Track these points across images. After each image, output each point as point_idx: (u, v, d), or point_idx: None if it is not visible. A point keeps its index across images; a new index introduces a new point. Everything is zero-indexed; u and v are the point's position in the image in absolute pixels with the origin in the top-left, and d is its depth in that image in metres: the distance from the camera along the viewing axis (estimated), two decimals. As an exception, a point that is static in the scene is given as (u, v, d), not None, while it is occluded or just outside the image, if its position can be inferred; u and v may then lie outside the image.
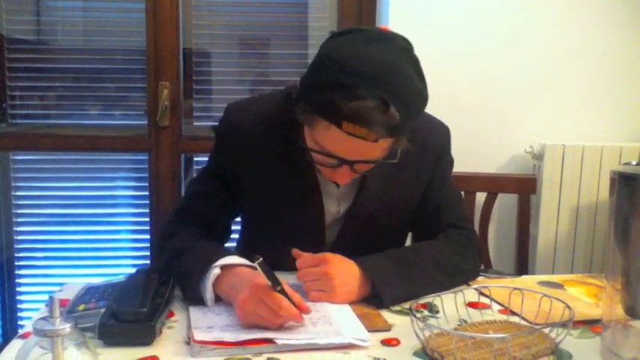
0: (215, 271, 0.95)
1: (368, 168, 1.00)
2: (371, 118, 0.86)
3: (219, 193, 1.15)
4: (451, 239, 1.14)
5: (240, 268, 0.96)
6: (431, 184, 1.16)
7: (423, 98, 0.95)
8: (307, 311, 0.87)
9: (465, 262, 1.12)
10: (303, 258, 1.01)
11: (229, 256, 0.98)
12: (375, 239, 1.09)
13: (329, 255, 1.00)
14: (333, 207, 1.13)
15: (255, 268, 0.86)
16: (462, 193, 1.74)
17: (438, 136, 1.18)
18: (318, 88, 0.90)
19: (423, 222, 1.18)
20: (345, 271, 0.99)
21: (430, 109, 1.22)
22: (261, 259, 0.83)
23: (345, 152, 0.93)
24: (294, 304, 0.86)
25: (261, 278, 0.85)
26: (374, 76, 0.87)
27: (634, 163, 0.85)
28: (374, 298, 0.98)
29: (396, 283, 1.00)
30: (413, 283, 1.01)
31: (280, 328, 0.85)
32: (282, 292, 0.85)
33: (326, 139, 0.93)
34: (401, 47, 0.93)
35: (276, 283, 0.85)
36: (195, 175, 1.24)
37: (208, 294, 0.94)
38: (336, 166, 0.96)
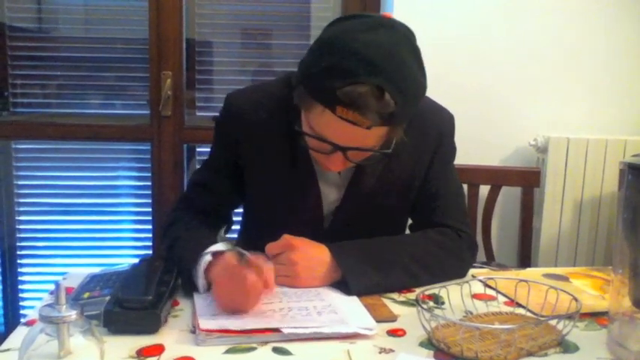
0: (206, 258, 0.95)
1: (362, 157, 0.98)
2: (365, 104, 0.85)
3: (221, 183, 1.15)
4: (440, 233, 1.12)
5: (223, 257, 0.96)
6: (431, 167, 1.14)
7: (422, 88, 0.93)
8: (268, 287, 0.88)
9: (449, 259, 1.09)
10: (270, 245, 1.01)
11: (220, 243, 0.99)
12: (375, 224, 1.09)
13: (295, 240, 1.01)
14: (334, 194, 1.12)
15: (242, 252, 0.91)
16: (466, 185, 1.75)
17: (441, 121, 1.16)
18: (315, 71, 0.89)
19: (421, 208, 1.17)
20: (311, 256, 1.00)
21: (435, 100, 1.21)
22: (224, 235, 0.86)
23: (338, 137, 0.92)
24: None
25: (234, 258, 0.88)
26: (371, 61, 0.85)
27: (643, 155, 0.84)
28: (342, 285, 0.98)
29: (365, 273, 0.99)
30: (383, 275, 1.00)
31: (286, 315, 0.85)
32: (247, 261, 0.87)
33: (320, 123, 0.92)
34: (403, 35, 0.91)
35: (240, 255, 0.87)
36: (197, 165, 1.24)
37: (200, 281, 0.95)
38: (330, 152, 0.95)
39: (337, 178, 1.11)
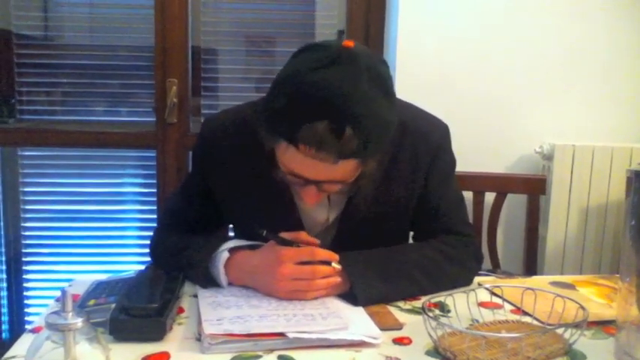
0: (224, 255, 0.99)
1: (337, 188, 0.97)
2: (325, 142, 0.84)
3: (199, 209, 1.15)
4: (445, 243, 1.11)
5: (244, 253, 1.00)
6: (428, 184, 1.11)
7: (387, 122, 0.90)
8: (334, 258, 0.97)
9: (454, 267, 1.08)
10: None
11: (232, 240, 1.03)
12: (373, 241, 1.06)
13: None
14: (322, 215, 1.10)
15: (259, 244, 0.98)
16: (471, 193, 1.75)
17: (433, 136, 1.11)
18: (275, 111, 0.88)
19: (422, 223, 1.15)
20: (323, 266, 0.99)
21: (440, 108, 1.21)
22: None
23: (307, 172, 0.91)
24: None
25: (278, 247, 0.94)
26: (328, 99, 0.83)
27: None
28: (348, 296, 0.97)
29: (373, 285, 0.98)
30: (390, 286, 1.00)
31: (291, 320, 0.85)
32: (298, 245, 0.95)
33: (287, 158, 0.91)
34: (364, 67, 0.86)
35: (290, 243, 0.93)
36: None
37: (222, 276, 0.99)
38: (303, 184, 0.94)
39: (326, 200, 1.08)
